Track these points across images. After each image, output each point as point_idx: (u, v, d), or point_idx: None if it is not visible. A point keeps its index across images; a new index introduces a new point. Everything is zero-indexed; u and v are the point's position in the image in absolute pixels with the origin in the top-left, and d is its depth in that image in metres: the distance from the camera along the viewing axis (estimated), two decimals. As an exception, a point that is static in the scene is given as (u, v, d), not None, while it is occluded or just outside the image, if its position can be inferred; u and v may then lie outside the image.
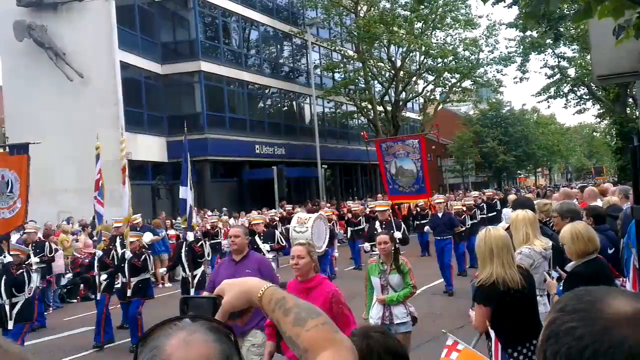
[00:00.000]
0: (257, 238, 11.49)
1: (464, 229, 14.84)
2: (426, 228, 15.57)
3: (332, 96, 35.95)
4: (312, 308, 1.40)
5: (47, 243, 14.25)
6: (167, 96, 27.85)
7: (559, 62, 35.96)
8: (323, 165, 29.40)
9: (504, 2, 21.22)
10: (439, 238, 13.32)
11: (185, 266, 10.29)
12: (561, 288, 4.67)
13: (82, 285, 15.65)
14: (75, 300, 15.47)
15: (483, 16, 34.39)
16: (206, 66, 27.84)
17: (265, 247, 11.35)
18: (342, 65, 36.03)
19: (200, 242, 10.94)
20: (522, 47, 34.89)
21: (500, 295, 4.02)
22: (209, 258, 13.74)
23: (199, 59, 27.59)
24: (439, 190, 42.66)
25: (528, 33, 31.20)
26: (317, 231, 11.47)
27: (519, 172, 64.03)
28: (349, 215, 20.23)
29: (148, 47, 26.87)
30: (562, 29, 23.42)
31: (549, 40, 31.25)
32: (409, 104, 41.21)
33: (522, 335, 4.06)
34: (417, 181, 15.71)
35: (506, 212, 14.10)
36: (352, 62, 36.05)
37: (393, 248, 6.37)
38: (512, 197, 16.30)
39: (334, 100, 37.69)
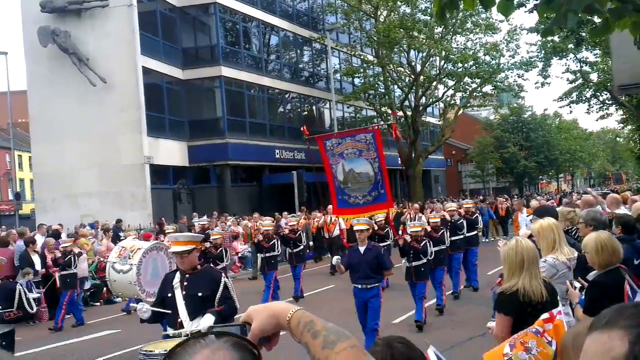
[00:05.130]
0: None
1: (423, 261, 10.31)
2: (335, 259, 9.85)
3: (352, 101, 35.94)
4: (340, 331, 1.40)
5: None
6: (188, 101, 28.09)
7: (581, 67, 35.61)
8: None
9: (525, 7, 21.09)
10: (359, 287, 8.47)
11: None
12: (583, 297, 4.65)
13: (105, 289, 15.84)
14: (98, 304, 15.64)
15: (504, 21, 34.11)
16: (227, 71, 28.05)
17: None
18: (361, 70, 36.02)
19: None
20: (543, 51, 34.62)
21: (520, 305, 4.01)
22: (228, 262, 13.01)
23: (219, 64, 27.80)
24: (459, 195, 42.38)
25: (549, 38, 30.97)
26: (152, 270, 7.82)
27: (540, 177, 63.45)
28: (285, 231, 15.61)
29: (169, 53, 27.14)
30: (583, 34, 23.20)
31: (570, 45, 31.00)
32: (429, 109, 41.07)
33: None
34: (374, 187, 12.06)
35: (525, 219, 14.01)
36: (372, 67, 36.04)
37: None
38: (534, 203, 16.08)
39: (354, 105, 37.68)
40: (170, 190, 26.38)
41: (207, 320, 5.31)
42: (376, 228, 14.51)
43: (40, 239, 15.62)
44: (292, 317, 1.42)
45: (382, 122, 36.48)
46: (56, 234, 16.28)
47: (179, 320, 5.46)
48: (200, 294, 5.46)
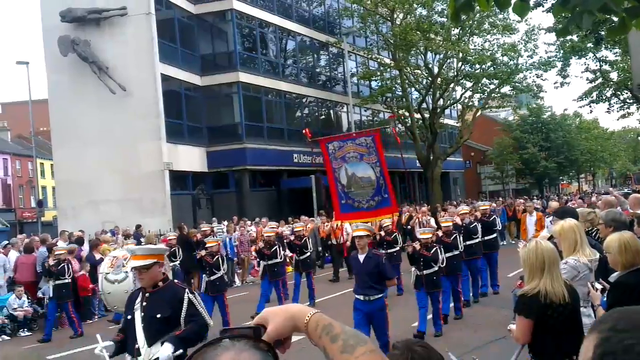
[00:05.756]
0: None
1: (435, 269, 9.73)
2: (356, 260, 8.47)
3: (369, 104, 35.92)
4: (359, 335, 1.39)
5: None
6: (206, 107, 28.29)
7: (600, 66, 35.19)
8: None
9: (542, 7, 20.92)
10: (360, 298, 7.85)
11: None
12: (605, 299, 4.60)
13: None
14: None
15: (521, 21, 33.96)
16: (244, 77, 28.19)
17: None
18: (378, 73, 35.97)
19: None
20: (562, 51, 34.29)
21: (541, 307, 3.99)
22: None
23: (237, 70, 27.96)
24: (478, 197, 42.10)
25: (568, 37, 30.69)
26: None
27: (561, 178, 62.83)
28: (291, 237, 14.95)
29: (188, 60, 27.37)
30: (602, 33, 22.96)
31: (589, 44, 30.68)
32: (447, 111, 40.88)
33: (564, 350, 4.01)
34: (377, 192, 11.61)
35: (547, 220, 13.81)
36: (388, 70, 35.97)
37: None
38: (554, 204, 15.82)
39: (371, 109, 37.65)
40: (190, 196, 26.58)
41: (164, 351, 4.61)
42: (383, 234, 13.96)
43: (62, 246, 15.78)
44: (310, 320, 1.41)
45: (399, 125, 36.40)
46: (80, 241, 16.46)
47: (136, 346, 4.74)
48: (159, 316, 4.76)
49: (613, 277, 4.57)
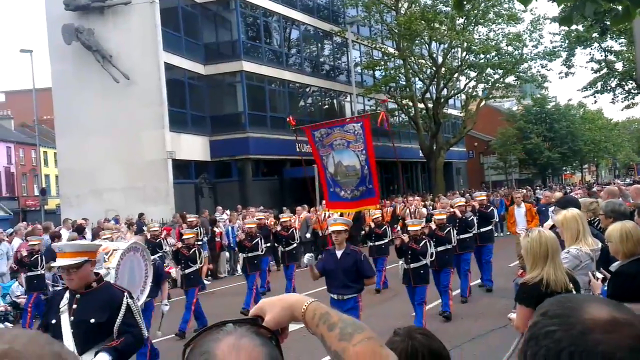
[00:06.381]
0: None
1: (423, 263, 9.36)
2: (307, 258, 7.90)
3: (373, 94, 35.82)
4: (356, 322, 1.38)
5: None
6: (209, 96, 28.26)
7: (605, 56, 35.06)
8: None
9: (548, -4, 20.81)
10: (335, 297, 7.28)
11: None
12: (605, 288, 4.62)
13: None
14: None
15: (526, 10, 33.87)
16: (248, 66, 28.13)
17: None
18: (382, 62, 35.86)
19: None
20: (567, 41, 34.15)
21: (542, 296, 3.99)
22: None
23: (240, 59, 27.90)
24: (481, 188, 42.08)
25: (573, 27, 30.53)
26: (129, 272, 6.74)
27: (564, 168, 62.72)
28: (277, 228, 14.47)
29: (191, 48, 27.31)
30: (608, 22, 22.85)
31: (595, 34, 30.54)
32: (451, 101, 40.76)
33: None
34: (362, 181, 11.06)
35: (550, 210, 13.71)
36: (392, 59, 35.86)
37: None
38: (557, 194, 15.69)
39: (375, 98, 37.56)
40: (193, 184, 26.62)
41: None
42: (373, 226, 13.73)
43: (65, 234, 15.87)
44: (307, 309, 1.40)
45: (402, 114, 36.31)
46: (80, 229, 16.53)
47: None
48: (93, 321, 4.22)
49: (614, 266, 4.59)
